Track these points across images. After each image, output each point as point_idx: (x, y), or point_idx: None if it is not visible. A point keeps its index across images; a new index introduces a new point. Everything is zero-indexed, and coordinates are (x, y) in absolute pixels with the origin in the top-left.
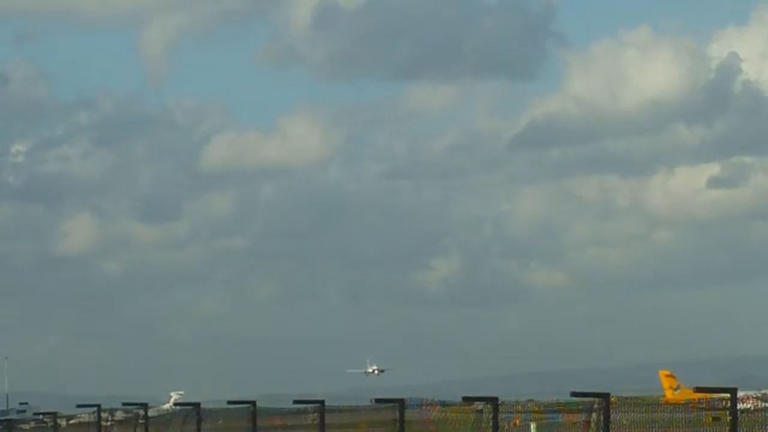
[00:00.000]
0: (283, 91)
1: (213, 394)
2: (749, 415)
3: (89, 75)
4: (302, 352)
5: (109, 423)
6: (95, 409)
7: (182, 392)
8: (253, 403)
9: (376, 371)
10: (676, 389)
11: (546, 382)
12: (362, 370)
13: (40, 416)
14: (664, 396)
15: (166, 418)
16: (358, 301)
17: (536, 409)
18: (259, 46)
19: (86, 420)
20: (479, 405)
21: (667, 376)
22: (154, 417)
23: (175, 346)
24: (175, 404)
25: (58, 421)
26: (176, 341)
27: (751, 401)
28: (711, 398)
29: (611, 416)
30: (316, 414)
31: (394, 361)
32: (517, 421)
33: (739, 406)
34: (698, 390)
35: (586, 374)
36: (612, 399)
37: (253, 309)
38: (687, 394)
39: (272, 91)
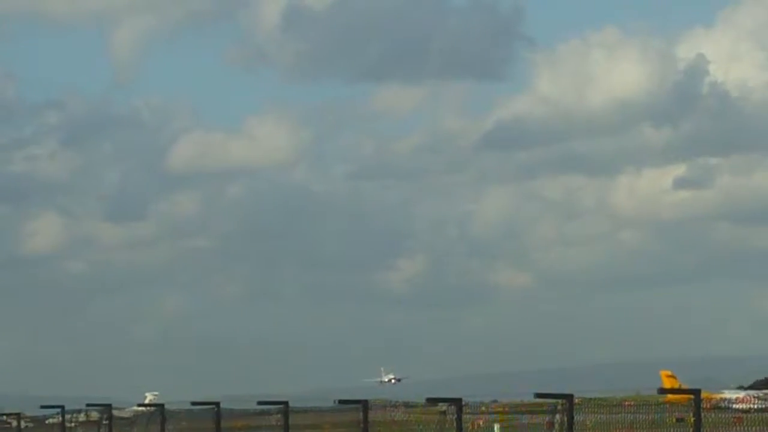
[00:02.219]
0: (251, 92)
1: (177, 395)
2: (752, 414)
3: (57, 76)
4: (266, 353)
5: (72, 424)
6: (59, 410)
7: (157, 393)
8: (217, 404)
9: (392, 380)
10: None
11: (510, 383)
12: (377, 380)
13: (4, 417)
14: (666, 397)
15: (131, 419)
16: (323, 301)
17: (500, 410)
18: (227, 47)
19: (55, 421)
20: (443, 406)
21: (668, 376)
22: (123, 418)
23: (140, 346)
24: (138, 405)
25: (22, 421)
26: (141, 341)
27: (754, 401)
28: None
29: (575, 417)
30: (279, 415)
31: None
32: (481, 422)
33: (740, 406)
34: (662, 391)
35: (550, 374)
36: (576, 400)
37: (218, 309)
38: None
39: (240, 92)
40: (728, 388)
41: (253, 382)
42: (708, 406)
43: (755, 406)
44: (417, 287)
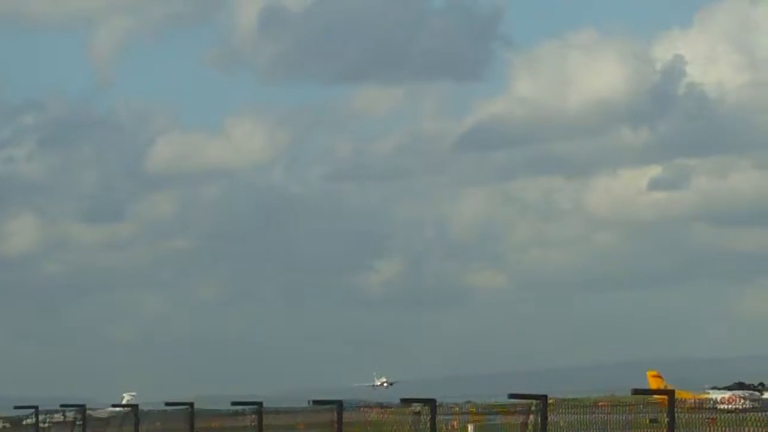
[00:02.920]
0: (229, 94)
1: (155, 396)
2: (727, 415)
3: (36, 76)
4: (243, 354)
5: (47, 425)
6: (33, 410)
7: (134, 393)
8: (191, 404)
9: (385, 384)
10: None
11: (486, 384)
12: (369, 384)
13: None
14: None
15: (106, 420)
16: (300, 302)
17: (474, 410)
18: (205, 49)
19: (32, 422)
20: (417, 407)
21: (654, 377)
22: (99, 419)
23: (118, 347)
24: (113, 405)
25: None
26: (119, 342)
27: (739, 401)
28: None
29: (549, 418)
30: (254, 415)
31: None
32: (455, 423)
33: (726, 406)
34: (636, 392)
35: (526, 376)
36: (550, 400)
37: (195, 310)
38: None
39: (218, 93)
40: (703, 389)
41: (231, 383)
42: (693, 406)
43: (740, 407)
44: (395, 288)
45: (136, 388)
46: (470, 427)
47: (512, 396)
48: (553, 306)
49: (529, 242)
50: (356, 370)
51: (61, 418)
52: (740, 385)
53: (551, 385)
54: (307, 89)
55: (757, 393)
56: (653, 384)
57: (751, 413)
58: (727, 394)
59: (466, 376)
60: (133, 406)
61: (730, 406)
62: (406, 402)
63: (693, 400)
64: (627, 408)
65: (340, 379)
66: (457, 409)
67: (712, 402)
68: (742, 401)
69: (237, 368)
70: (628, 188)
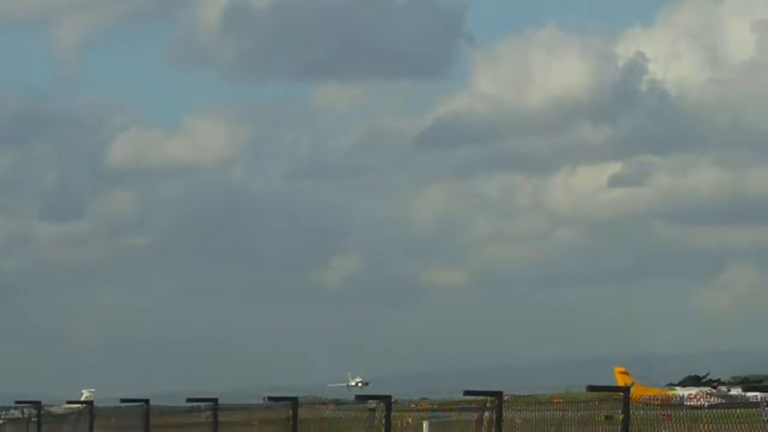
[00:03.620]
0: (191, 91)
1: (113, 392)
2: (683, 412)
3: None
4: (203, 351)
5: (2, 421)
6: None
7: (93, 389)
8: (147, 401)
9: (359, 384)
10: (630, 386)
11: (443, 381)
12: (344, 384)
13: None
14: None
15: (61, 416)
16: (258, 300)
17: (428, 407)
18: (168, 46)
19: None
20: (372, 403)
21: (621, 373)
22: (56, 415)
23: (77, 343)
24: (68, 402)
25: None
26: (78, 339)
27: (702, 398)
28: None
29: (504, 414)
30: (209, 412)
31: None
32: (410, 420)
33: (691, 403)
34: (591, 389)
35: (485, 373)
36: (505, 397)
37: (155, 307)
38: (640, 391)
39: (180, 91)
40: (659, 386)
41: (190, 380)
42: (660, 402)
43: (706, 403)
44: (355, 286)
45: (95, 385)
46: (425, 424)
47: (468, 393)
48: (512, 303)
49: (488, 239)
50: (312, 366)
51: (20, 415)
52: (694, 379)
53: (509, 381)
54: (269, 87)
55: (713, 389)
56: (620, 380)
57: (707, 410)
58: (694, 390)
59: (424, 373)
60: (89, 403)
61: (701, 403)
62: (362, 399)
63: (660, 397)
64: (582, 405)
65: (297, 376)
66: (413, 405)
67: (679, 398)
68: (710, 397)
69: (197, 365)
70: (588, 185)
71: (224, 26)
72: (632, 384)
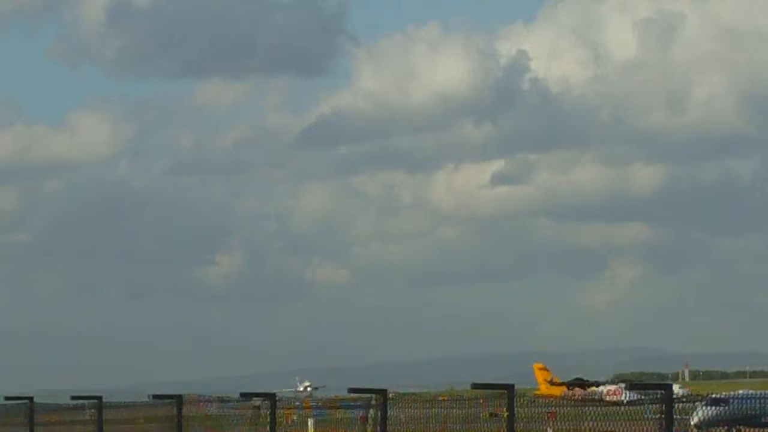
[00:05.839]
0: (74, 88)
1: None
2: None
3: None
4: (83, 348)
5: None
6: None
7: None
8: (31, 399)
9: (309, 388)
10: (550, 382)
11: (327, 379)
12: (292, 390)
13: None
14: (539, 389)
15: None
16: (141, 297)
17: (312, 404)
18: (51, 43)
19: None
20: (257, 401)
21: (540, 369)
22: None
23: None
24: None
25: None
26: None
27: (622, 393)
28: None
29: (389, 412)
30: (93, 410)
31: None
32: (295, 417)
33: (611, 398)
34: (475, 386)
35: (368, 370)
36: (390, 395)
37: (35, 305)
38: (561, 389)
39: (63, 87)
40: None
41: (70, 377)
42: (577, 398)
43: (625, 399)
44: (236, 283)
45: None
46: (310, 422)
47: (352, 390)
48: (394, 300)
49: (371, 237)
50: (195, 363)
51: None
52: (578, 381)
53: (393, 378)
54: (152, 83)
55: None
56: (539, 376)
57: (590, 407)
58: (613, 387)
59: (309, 370)
60: None
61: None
62: (246, 396)
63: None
64: (467, 402)
65: (182, 374)
66: (297, 403)
67: (598, 395)
68: (626, 393)
69: (76, 362)
70: (470, 182)
71: (107, 23)
72: (551, 379)
